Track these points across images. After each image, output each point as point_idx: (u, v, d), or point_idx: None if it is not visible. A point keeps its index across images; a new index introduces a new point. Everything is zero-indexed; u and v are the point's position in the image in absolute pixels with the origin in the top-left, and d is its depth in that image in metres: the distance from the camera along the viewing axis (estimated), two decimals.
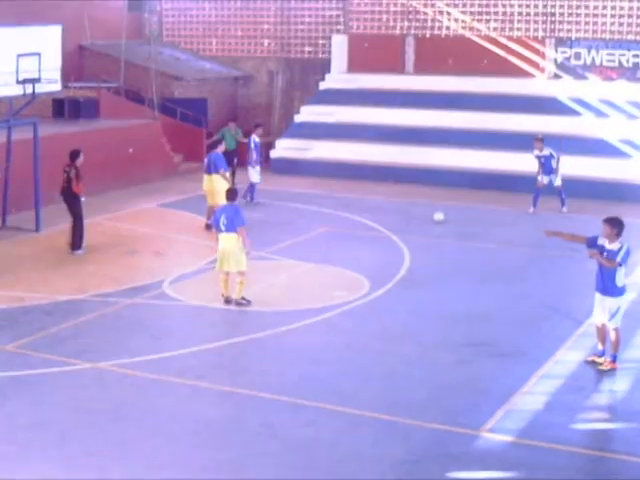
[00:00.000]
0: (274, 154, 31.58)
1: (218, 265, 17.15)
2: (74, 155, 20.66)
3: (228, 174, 23.05)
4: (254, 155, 25.93)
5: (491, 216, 24.87)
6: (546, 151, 25.17)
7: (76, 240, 20.41)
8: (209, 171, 22.72)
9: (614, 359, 14.34)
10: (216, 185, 22.47)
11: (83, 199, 20.59)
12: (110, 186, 26.65)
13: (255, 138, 26.21)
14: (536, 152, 25.26)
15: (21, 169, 22.39)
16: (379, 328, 16.13)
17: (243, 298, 17.03)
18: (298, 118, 32.70)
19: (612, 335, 14.40)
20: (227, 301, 17.11)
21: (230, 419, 12.51)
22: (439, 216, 23.77)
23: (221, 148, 22.99)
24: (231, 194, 17.39)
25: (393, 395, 13.27)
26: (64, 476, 10.83)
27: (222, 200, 22.26)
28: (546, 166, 25.16)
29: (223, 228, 16.87)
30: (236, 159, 29.35)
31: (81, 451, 11.46)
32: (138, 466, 11.10)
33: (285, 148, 31.64)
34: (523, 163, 28.03)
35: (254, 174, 25.94)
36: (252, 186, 26.05)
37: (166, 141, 30.44)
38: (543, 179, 25.19)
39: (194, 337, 15.56)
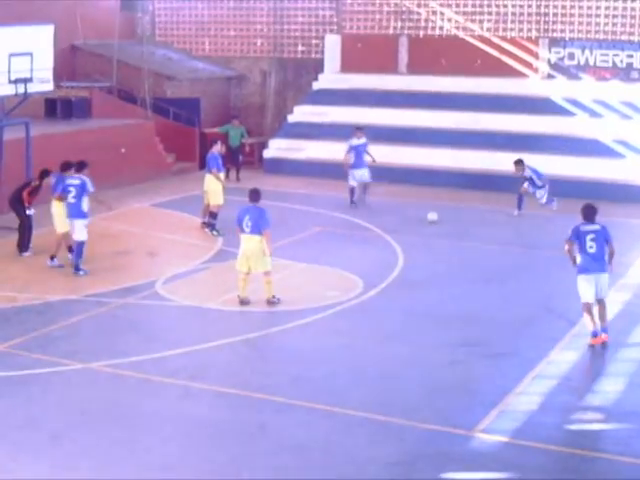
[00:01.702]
0: (267, 154, 31.54)
1: (239, 265, 17.06)
2: (43, 174, 20.28)
3: (222, 175, 22.97)
4: (352, 159, 25.72)
5: (485, 216, 24.84)
6: (527, 172, 24.81)
7: (24, 242, 20.31)
8: (206, 170, 22.83)
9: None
10: (210, 185, 22.48)
11: (29, 212, 20.24)
12: (103, 186, 26.40)
13: (353, 142, 25.90)
14: (518, 174, 24.96)
15: (13, 169, 22.32)
16: (373, 328, 16.10)
17: (273, 297, 17.06)
18: (291, 118, 32.65)
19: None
20: (243, 302, 17.03)
21: (223, 420, 12.46)
22: (433, 216, 23.71)
23: (216, 148, 22.90)
24: (254, 195, 17.19)
25: (386, 395, 13.23)
26: (56, 476, 10.77)
27: (215, 200, 22.30)
28: (531, 184, 24.86)
29: (247, 229, 16.84)
30: (241, 157, 29.46)
31: (73, 452, 11.42)
32: (130, 467, 11.04)
33: (278, 148, 31.59)
34: None
35: (351, 178, 25.79)
36: (351, 190, 25.88)
37: (159, 141, 30.39)
38: (528, 187, 24.90)
39: (187, 337, 15.50)
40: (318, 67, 33.83)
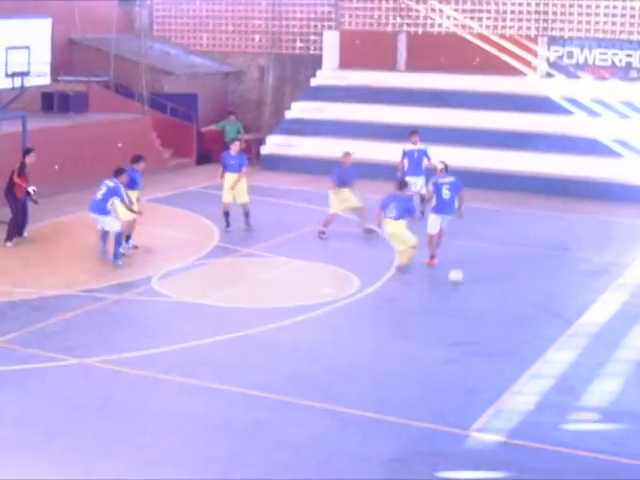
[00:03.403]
0: (264, 150, 31.49)
1: (401, 246, 19.12)
2: (25, 152, 20.65)
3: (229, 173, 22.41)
4: (407, 166, 23.90)
5: (482, 215, 24.77)
6: None
7: (9, 231, 20.35)
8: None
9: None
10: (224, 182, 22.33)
11: (31, 189, 20.46)
12: (99, 181, 26.41)
13: (407, 146, 24.26)
14: None
15: (9, 163, 22.23)
16: (369, 326, 16.06)
17: (404, 265, 19.05)
18: (289, 114, 32.59)
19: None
20: (399, 269, 19.00)
21: (218, 416, 12.42)
22: (456, 275, 18.41)
23: (234, 147, 22.48)
24: (401, 185, 19.65)
25: (382, 393, 13.20)
26: (50, 473, 10.73)
27: (224, 198, 22.07)
28: None
29: (391, 215, 18.87)
30: None
31: (67, 448, 11.37)
32: (125, 463, 11.00)
33: (275, 144, 31.55)
34: (515, 162, 28.03)
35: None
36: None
37: (156, 136, 30.31)
38: None
39: (182, 333, 15.45)
40: (316, 63, 33.75)
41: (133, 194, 20.08)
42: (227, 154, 22.55)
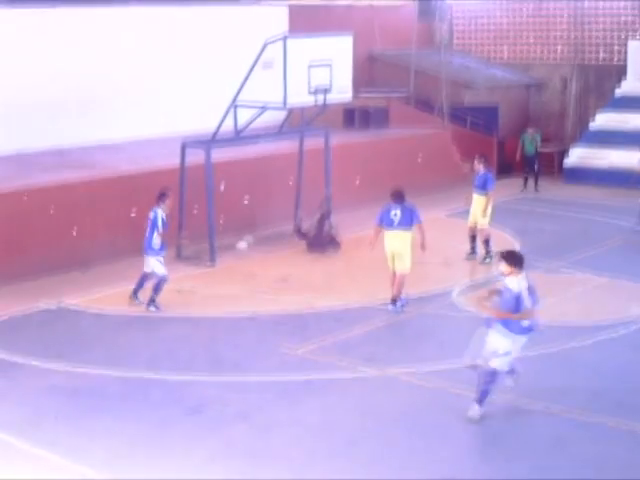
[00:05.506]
0: (567, 162, 30.72)
1: None
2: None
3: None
4: None
5: None
6: None
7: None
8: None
9: None
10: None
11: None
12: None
13: None
14: None
15: (313, 177, 22.78)
16: None
17: None
18: (593, 125, 31.68)
19: None
20: None
21: (519, 433, 12.12)
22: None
23: (477, 167, 21.34)
24: None
25: None
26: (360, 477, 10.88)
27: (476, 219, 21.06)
28: None
29: None
30: (537, 165, 28.81)
31: (367, 459, 11.41)
32: (425, 476, 10.93)
33: (579, 156, 30.73)
34: None
35: None
36: None
37: (455, 149, 30.21)
38: None
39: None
40: (620, 73, 32.63)
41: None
42: (476, 174, 21.29)
